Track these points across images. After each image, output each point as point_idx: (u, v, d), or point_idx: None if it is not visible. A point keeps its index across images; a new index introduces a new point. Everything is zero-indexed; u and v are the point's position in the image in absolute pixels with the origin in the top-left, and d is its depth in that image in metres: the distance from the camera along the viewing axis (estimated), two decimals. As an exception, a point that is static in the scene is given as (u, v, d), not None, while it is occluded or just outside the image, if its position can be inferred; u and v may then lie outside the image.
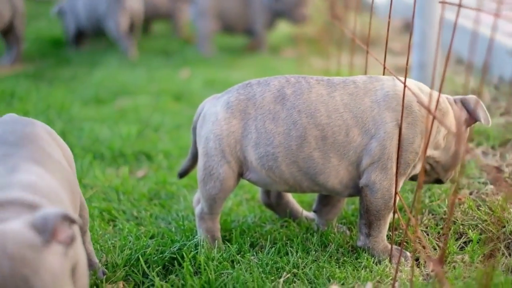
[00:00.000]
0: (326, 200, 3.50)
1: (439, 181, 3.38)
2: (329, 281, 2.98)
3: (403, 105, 2.92)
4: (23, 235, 2.07)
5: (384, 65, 3.30)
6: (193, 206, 3.51)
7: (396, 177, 3.03)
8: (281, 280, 2.94)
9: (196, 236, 3.36)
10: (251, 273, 2.99)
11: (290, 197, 3.63)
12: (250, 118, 3.12)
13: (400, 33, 9.39)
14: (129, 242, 3.41)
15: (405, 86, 2.92)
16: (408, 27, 9.52)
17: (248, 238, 3.38)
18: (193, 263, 3.12)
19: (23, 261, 2.03)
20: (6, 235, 2.06)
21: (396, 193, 3.06)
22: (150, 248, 3.26)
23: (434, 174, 3.29)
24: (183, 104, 6.51)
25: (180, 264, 3.14)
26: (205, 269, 3.02)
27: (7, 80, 7.67)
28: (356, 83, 3.12)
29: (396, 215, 3.19)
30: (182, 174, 3.59)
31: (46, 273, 2.05)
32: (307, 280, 2.99)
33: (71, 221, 2.17)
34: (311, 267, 3.07)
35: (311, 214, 3.63)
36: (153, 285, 3.05)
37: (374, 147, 3.02)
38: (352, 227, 3.55)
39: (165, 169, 4.66)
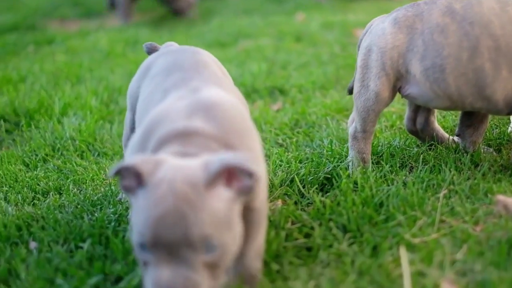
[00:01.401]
0: (468, 122, 3.50)
1: None
2: (487, 196, 3.01)
3: None
4: (192, 174, 2.18)
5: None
6: (347, 126, 3.58)
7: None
8: (441, 194, 2.99)
9: (348, 158, 3.43)
10: (409, 189, 3.05)
11: (436, 124, 3.64)
12: (417, 32, 3.15)
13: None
14: (280, 166, 3.53)
15: None
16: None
17: (398, 160, 3.43)
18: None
19: (185, 198, 2.13)
20: (177, 172, 2.18)
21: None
22: (304, 170, 3.37)
23: None
24: (305, 44, 6.58)
25: (336, 183, 3.23)
26: (362, 186, 3.10)
27: (127, 29, 7.92)
28: None
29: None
30: (352, 91, 3.63)
31: (205, 214, 2.14)
32: (465, 196, 3.03)
33: (247, 172, 2.20)
34: (466, 184, 3.11)
35: (456, 139, 3.65)
36: (310, 203, 3.16)
37: None
38: (501, 147, 3.55)
39: (301, 101, 4.75)
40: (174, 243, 2.13)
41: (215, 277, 2.23)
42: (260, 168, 2.54)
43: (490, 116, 3.55)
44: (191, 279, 2.15)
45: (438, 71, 3.10)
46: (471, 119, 3.49)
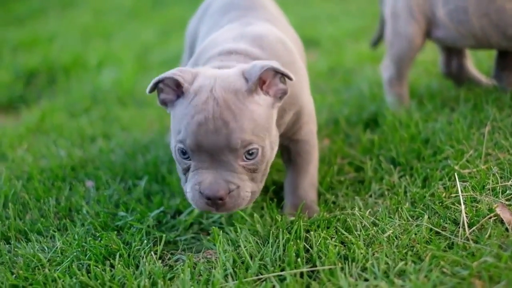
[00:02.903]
0: (503, 64, 3.56)
1: None
2: (529, 131, 3.08)
3: None
4: (232, 82, 2.27)
5: None
6: (381, 73, 3.63)
7: None
8: (486, 129, 3.07)
9: (387, 102, 3.51)
10: (454, 126, 3.13)
11: (471, 67, 3.71)
12: None
13: None
14: (323, 109, 3.61)
15: None
16: None
17: (438, 100, 3.51)
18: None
19: (227, 105, 2.23)
20: (216, 80, 2.28)
21: None
22: (347, 111, 3.45)
23: None
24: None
25: (381, 122, 3.31)
26: (407, 124, 3.18)
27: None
28: None
29: None
30: (376, 43, 3.72)
31: (246, 120, 2.23)
32: (508, 132, 3.10)
33: (281, 73, 2.31)
34: (508, 120, 3.17)
35: (493, 81, 3.71)
36: (356, 141, 3.24)
37: None
38: (539, 88, 3.62)
39: (335, 53, 4.82)
40: (216, 148, 2.22)
41: (256, 181, 2.33)
42: (305, 99, 2.65)
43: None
44: (233, 182, 2.25)
45: (461, 12, 3.17)
46: (506, 61, 3.55)
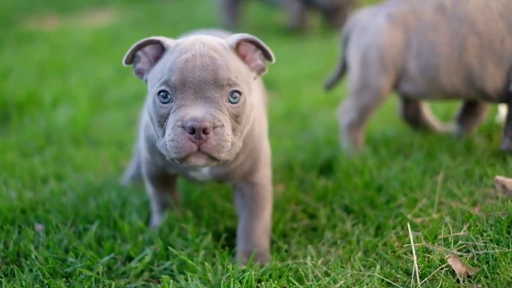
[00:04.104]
0: (469, 109, 3.60)
1: None
2: (482, 180, 3.10)
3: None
4: (215, 39, 2.41)
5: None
6: (339, 116, 3.63)
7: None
8: (439, 178, 3.09)
9: (343, 147, 3.52)
10: (407, 174, 3.14)
11: (427, 112, 3.75)
12: (411, 30, 3.25)
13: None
14: (278, 153, 3.60)
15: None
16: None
17: (393, 147, 3.53)
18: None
19: (213, 47, 2.33)
20: (202, 35, 2.44)
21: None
22: (302, 156, 3.45)
23: None
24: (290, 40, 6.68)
25: (335, 168, 3.31)
26: (362, 171, 3.19)
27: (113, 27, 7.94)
28: None
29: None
30: (330, 86, 3.74)
31: (230, 62, 2.31)
32: (461, 180, 3.12)
33: (261, 49, 2.42)
34: (461, 168, 3.20)
35: (448, 127, 3.74)
36: (311, 187, 3.23)
37: None
38: (492, 134, 3.66)
39: (292, 97, 4.83)
40: (202, 83, 2.26)
41: (236, 133, 2.33)
42: (264, 143, 2.70)
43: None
44: (219, 118, 2.25)
45: (433, 69, 3.21)
46: (472, 106, 3.59)
